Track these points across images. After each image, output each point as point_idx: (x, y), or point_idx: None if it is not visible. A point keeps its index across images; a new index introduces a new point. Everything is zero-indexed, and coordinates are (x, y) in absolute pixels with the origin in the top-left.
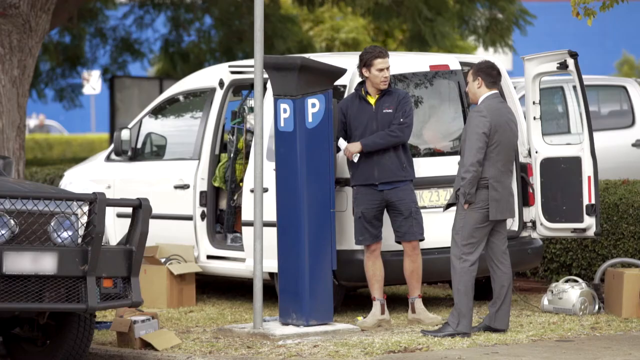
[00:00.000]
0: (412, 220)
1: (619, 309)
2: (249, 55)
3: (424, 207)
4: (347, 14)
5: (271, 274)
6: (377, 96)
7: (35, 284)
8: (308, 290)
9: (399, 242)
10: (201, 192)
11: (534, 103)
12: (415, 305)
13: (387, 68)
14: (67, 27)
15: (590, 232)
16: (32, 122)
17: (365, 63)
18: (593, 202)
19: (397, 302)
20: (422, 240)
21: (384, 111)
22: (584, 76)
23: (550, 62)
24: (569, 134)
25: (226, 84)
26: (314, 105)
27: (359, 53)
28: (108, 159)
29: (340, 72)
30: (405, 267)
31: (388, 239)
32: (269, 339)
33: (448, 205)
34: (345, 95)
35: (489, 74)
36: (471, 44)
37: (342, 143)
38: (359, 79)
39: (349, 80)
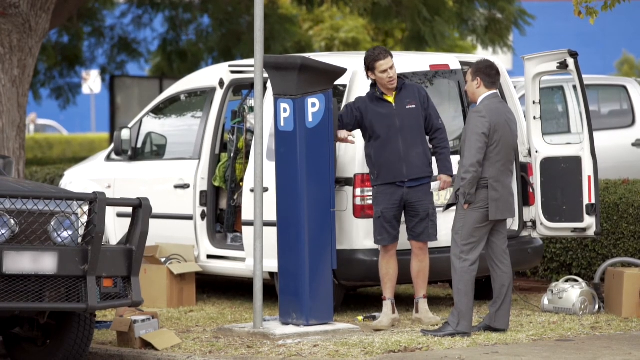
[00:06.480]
0: (429, 222)
1: (619, 309)
2: (247, 56)
3: None
4: (346, 14)
5: (271, 274)
6: (393, 93)
7: (35, 284)
8: (308, 290)
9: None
10: (201, 192)
11: (534, 103)
12: (419, 306)
13: (391, 67)
14: (66, 27)
15: (591, 232)
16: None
17: (368, 67)
18: (593, 201)
19: (397, 302)
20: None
21: (407, 107)
22: (584, 76)
23: (550, 61)
24: (569, 134)
25: (226, 83)
26: (314, 104)
27: (359, 53)
28: (108, 158)
29: (340, 71)
30: (413, 267)
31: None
32: (269, 338)
33: (448, 206)
34: (347, 94)
35: (488, 74)
36: (471, 43)
37: (434, 185)
38: (369, 81)
39: (349, 80)
